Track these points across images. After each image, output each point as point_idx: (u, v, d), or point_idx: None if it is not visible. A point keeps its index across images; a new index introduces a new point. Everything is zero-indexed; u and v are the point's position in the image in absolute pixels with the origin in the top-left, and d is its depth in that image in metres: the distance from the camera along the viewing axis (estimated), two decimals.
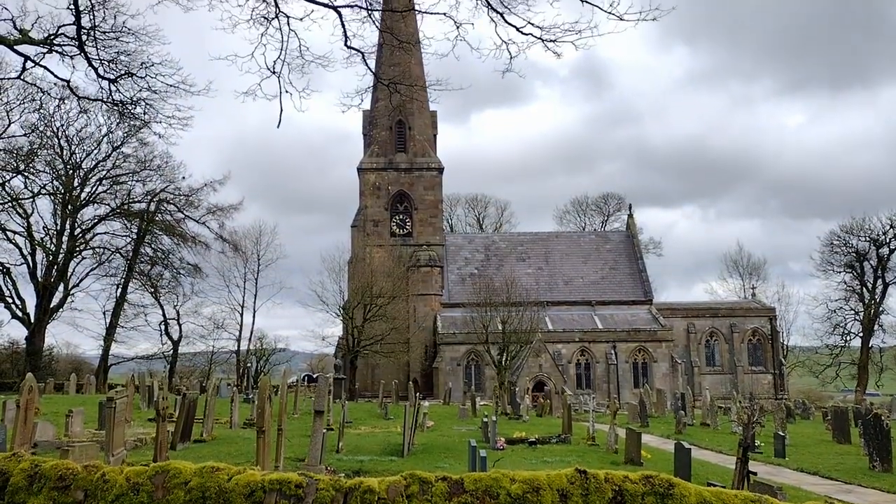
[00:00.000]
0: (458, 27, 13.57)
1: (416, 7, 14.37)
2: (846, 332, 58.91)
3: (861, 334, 57.99)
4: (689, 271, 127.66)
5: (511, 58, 13.35)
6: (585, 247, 62.13)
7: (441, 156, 61.77)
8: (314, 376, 60.66)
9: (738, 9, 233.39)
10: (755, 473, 11.37)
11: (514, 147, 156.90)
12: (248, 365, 60.21)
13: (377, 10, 15.01)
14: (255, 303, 60.43)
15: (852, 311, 59.12)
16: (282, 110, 14.22)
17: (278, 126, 13.73)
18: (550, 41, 12.96)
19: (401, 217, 60.12)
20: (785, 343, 65.50)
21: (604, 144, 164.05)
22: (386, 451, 18.51)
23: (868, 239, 58.20)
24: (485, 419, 22.57)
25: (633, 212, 64.94)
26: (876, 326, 57.88)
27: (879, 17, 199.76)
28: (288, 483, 4.92)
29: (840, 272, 59.74)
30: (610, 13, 12.18)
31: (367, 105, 56.22)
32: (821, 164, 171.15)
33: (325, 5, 13.81)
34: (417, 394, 27.05)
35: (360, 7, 14.15)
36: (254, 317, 60.54)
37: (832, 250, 60.00)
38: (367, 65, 14.83)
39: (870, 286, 58.42)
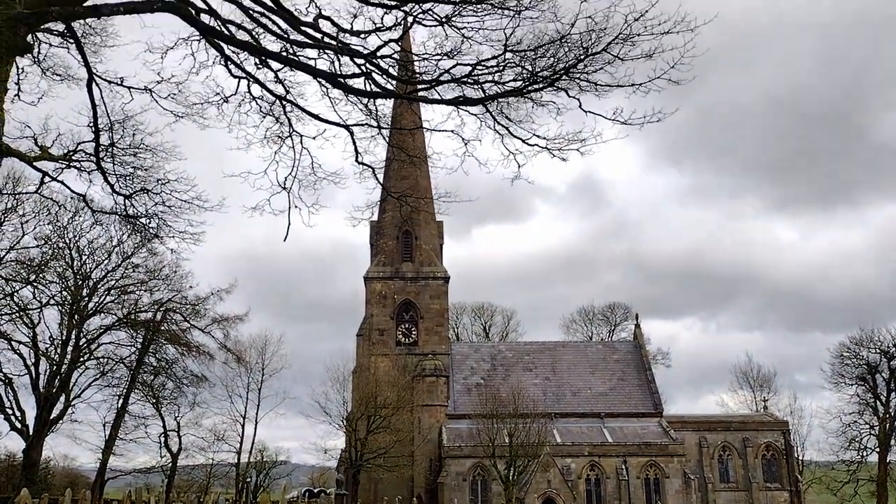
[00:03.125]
0: (465, 143, 14.20)
1: (424, 125, 15.06)
2: (862, 447, 57.23)
3: (878, 449, 56.34)
4: (694, 383, 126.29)
5: (519, 167, 13.87)
6: (593, 357, 61.63)
7: (446, 266, 62.41)
8: (315, 491, 59.00)
9: (717, 134, 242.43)
10: None
11: (516, 259, 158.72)
12: (248, 479, 58.59)
13: (386, 128, 15.72)
14: (257, 413, 59.46)
15: (867, 425, 57.64)
16: (289, 224, 14.61)
17: (285, 240, 14.13)
18: (556, 150, 13.54)
19: (406, 326, 60.10)
20: (800, 458, 63.63)
21: (603, 256, 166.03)
22: None
23: (879, 351, 57.52)
24: None
25: (640, 321, 64.89)
26: (893, 441, 56.28)
27: (857, 139, 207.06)
28: None
29: (852, 385, 58.66)
30: (614, 120, 12.76)
31: (375, 217, 57.48)
32: (815, 277, 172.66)
33: (338, 124, 14.50)
34: None
35: (370, 126, 14.86)
36: (255, 428, 59.40)
37: (843, 362, 59.13)
38: (377, 179, 15.39)
39: (883, 399, 57.28)
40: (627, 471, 50.70)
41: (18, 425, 44.84)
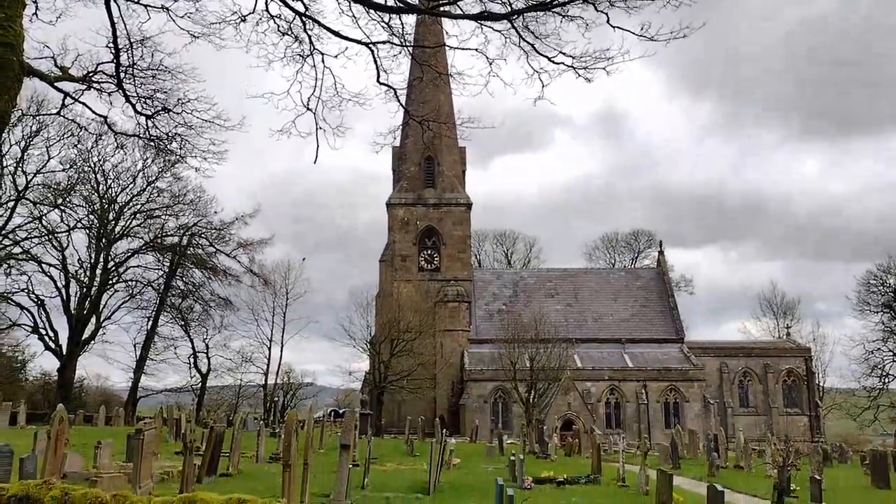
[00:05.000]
0: (490, 63, 13.79)
1: (447, 44, 14.63)
2: (885, 373, 57.36)
3: None
4: (716, 311, 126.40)
5: (543, 86, 13.45)
6: (615, 284, 61.64)
7: (468, 193, 62.04)
8: (340, 412, 60.54)
9: (739, 65, 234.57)
10: None
11: (537, 190, 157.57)
12: (276, 399, 60.27)
13: (409, 45, 15.30)
14: (283, 336, 60.69)
15: (891, 353, 57.64)
16: (318, 145, 14.42)
17: (315, 161, 14.02)
18: (582, 69, 13.10)
19: (429, 252, 60.29)
20: (821, 384, 63.97)
21: (624, 187, 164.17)
22: (412, 489, 18.33)
23: None
24: (512, 458, 22.27)
25: (664, 248, 64.55)
26: None
27: (882, 69, 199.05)
28: None
29: (877, 312, 58.42)
30: (642, 36, 12.26)
31: (397, 142, 56.97)
32: (838, 208, 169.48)
33: (359, 42, 14.12)
34: (444, 431, 26.81)
35: (393, 44, 14.45)
36: (281, 351, 60.70)
37: (868, 290, 58.77)
38: (399, 101, 15.06)
39: None
40: (647, 395, 51.35)
41: (52, 345, 46.36)
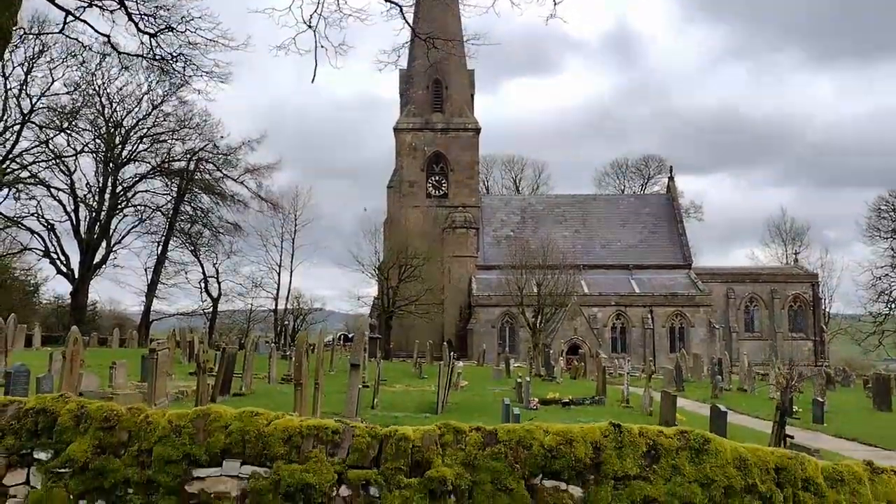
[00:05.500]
0: None
1: None
2: (891, 299, 57.48)
3: None
4: (725, 238, 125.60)
5: (556, 4, 13.01)
6: (624, 210, 61.42)
7: (477, 117, 61.14)
8: (350, 336, 61.40)
9: None
10: (792, 437, 11.27)
11: (546, 116, 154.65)
12: (286, 324, 61.15)
13: None
14: (292, 262, 61.07)
15: None
16: (316, 64, 14.08)
17: (313, 80, 13.67)
18: None
19: (437, 178, 59.96)
20: (827, 310, 64.25)
21: (635, 113, 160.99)
22: (420, 409, 18.70)
23: None
24: (519, 380, 22.66)
25: (674, 175, 63.98)
26: None
27: None
28: (325, 429, 4.99)
29: (887, 238, 58.11)
30: None
31: (403, 63, 55.85)
32: (851, 135, 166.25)
33: None
34: (452, 354, 27.23)
35: None
36: (291, 276, 61.20)
37: (879, 216, 58.26)
38: (404, 18, 14.61)
39: None
40: (653, 320, 51.84)
41: (64, 269, 46.81)
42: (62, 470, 4.79)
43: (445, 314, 55.36)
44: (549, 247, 49.84)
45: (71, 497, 4.75)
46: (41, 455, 4.85)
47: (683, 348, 46.12)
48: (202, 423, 4.93)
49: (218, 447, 4.86)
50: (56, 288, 63.59)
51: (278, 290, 61.01)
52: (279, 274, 60.73)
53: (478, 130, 60.13)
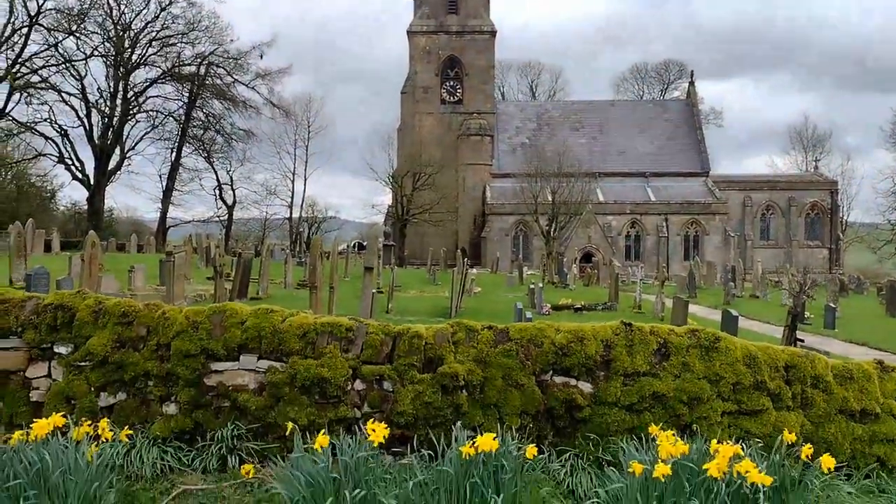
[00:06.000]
0: None
1: None
2: None
3: None
4: (744, 146, 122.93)
5: None
6: (642, 116, 60.22)
7: (493, 20, 59.24)
8: (364, 244, 61.89)
9: None
10: (802, 341, 11.36)
11: (565, 20, 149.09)
12: (301, 231, 61.62)
13: None
14: (305, 170, 61.03)
15: None
16: None
17: None
18: None
19: (451, 83, 58.75)
20: (845, 218, 63.68)
21: (656, 17, 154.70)
22: (434, 313, 18.98)
23: None
24: (532, 286, 22.86)
25: (695, 79, 62.31)
26: None
27: None
28: (339, 326, 5.06)
29: None
30: None
31: None
32: (877, 37, 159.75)
33: None
34: (466, 261, 27.41)
35: None
36: (305, 184, 61.31)
37: None
38: None
39: None
40: (668, 228, 51.69)
41: (79, 175, 47.00)
42: (82, 363, 4.90)
43: (459, 222, 55.42)
44: (564, 154, 49.28)
45: (92, 389, 4.89)
46: (61, 349, 4.96)
47: (697, 256, 46.16)
48: (219, 318, 5.00)
49: (235, 342, 4.95)
50: (72, 195, 64.12)
51: (292, 197, 61.23)
52: (293, 182, 60.81)
53: (494, 33, 58.43)
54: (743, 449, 4.17)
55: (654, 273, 41.27)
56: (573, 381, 5.00)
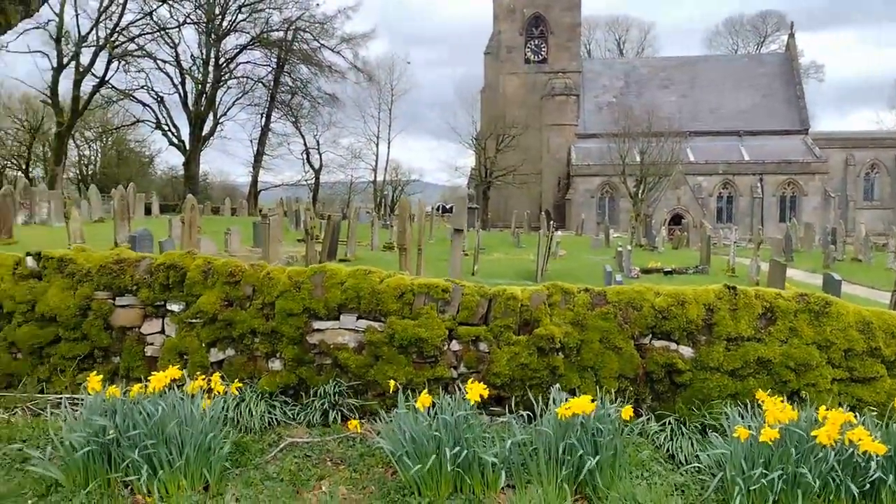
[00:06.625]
0: None
1: None
2: None
3: None
4: (845, 101, 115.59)
5: None
6: (736, 71, 57.50)
7: None
8: (448, 206, 62.19)
9: None
10: None
11: None
12: (385, 194, 62.39)
13: None
14: (389, 133, 61.59)
15: None
16: None
17: None
18: None
19: (536, 42, 57.64)
20: None
21: None
22: (519, 276, 18.95)
23: None
24: (619, 249, 22.45)
25: (795, 31, 58.93)
26: None
27: None
28: (435, 287, 5.10)
29: None
30: None
31: None
32: None
33: None
34: (551, 223, 27.15)
35: None
36: (389, 147, 62.06)
37: None
38: None
39: None
40: (763, 189, 49.61)
41: (176, 141, 48.89)
42: (194, 320, 5.14)
43: (543, 184, 54.82)
44: (653, 113, 47.74)
45: (203, 345, 5.12)
46: (174, 307, 5.20)
47: (794, 218, 44.19)
48: (320, 279, 5.14)
49: (335, 302, 5.07)
50: (169, 159, 66.87)
51: (377, 161, 62.00)
52: (377, 145, 61.52)
53: None
54: (855, 417, 4.02)
55: (747, 236, 39.85)
56: (673, 346, 4.91)
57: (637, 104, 52.13)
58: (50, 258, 5.38)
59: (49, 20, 39.21)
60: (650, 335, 4.96)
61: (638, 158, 45.53)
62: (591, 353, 4.91)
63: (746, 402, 4.52)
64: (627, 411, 4.14)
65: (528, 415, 4.52)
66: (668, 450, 4.57)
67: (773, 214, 49.51)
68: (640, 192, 45.70)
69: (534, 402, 4.55)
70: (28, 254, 5.44)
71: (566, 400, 4.17)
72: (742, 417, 4.29)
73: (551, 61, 56.88)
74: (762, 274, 18.58)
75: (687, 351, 4.88)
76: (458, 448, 3.92)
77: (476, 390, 4.06)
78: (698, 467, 4.31)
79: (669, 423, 4.76)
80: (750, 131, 53.15)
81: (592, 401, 4.09)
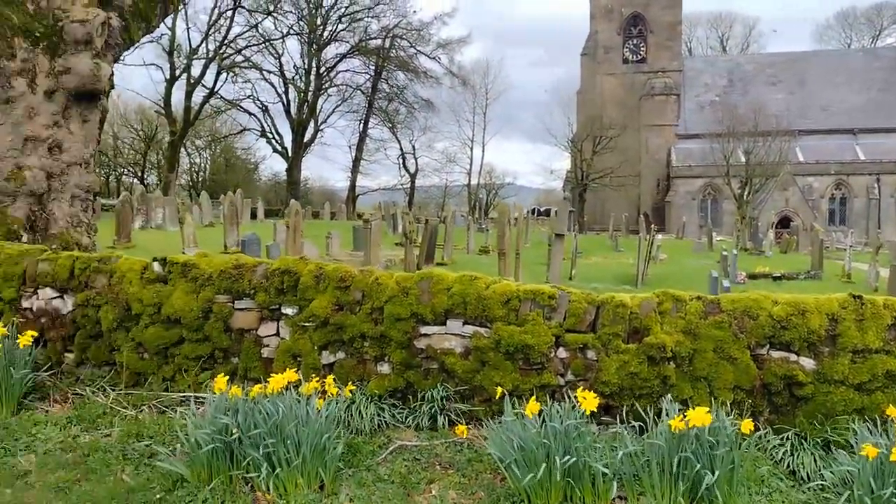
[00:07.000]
0: None
1: None
2: None
3: None
4: None
5: None
6: (849, 66, 54.58)
7: None
8: (542, 209, 61.78)
9: None
10: None
11: None
12: (480, 197, 62.62)
13: None
14: (483, 137, 61.83)
15: None
16: None
17: None
18: None
19: (634, 42, 56.52)
20: None
21: None
22: (618, 280, 18.63)
23: None
24: (724, 253, 21.68)
25: None
26: None
27: None
28: (541, 293, 5.07)
29: None
30: None
31: None
32: None
33: None
34: (652, 226, 26.53)
35: None
36: (483, 151, 62.29)
37: None
38: None
39: None
40: (880, 189, 46.79)
41: (279, 148, 50.77)
42: (306, 324, 5.31)
43: (641, 186, 53.64)
44: (759, 111, 45.87)
45: (315, 347, 5.29)
46: (288, 310, 5.39)
47: None
48: (427, 284, 5.20)
49: (441, 307, 5.12)
50: (273, 166, 69.39)
51: (471, 164, 62.35)
52: (471, 149, 61.83)
53: None
54: None
55: (863, 239, 37.68)
56: (793, 357, 4.69)
57: (742, 102, 50.24)
58: (175, 263, 5.69)
59: (162, 34, 41.53)
60: (767, 345, 4.76)
61: (743, 159, 43.84)
62: (705, 363, 4.76)
63: (875, 418, 4.27)
64: (747, 424, 3.99)
65: (639, 426, 4.43)
66: (788, 465, 4.38)
67: (892, 217, 46.62)
68: (746, 193, 43.98)
69: (643, 412, 4.46)
70: (154, 259, 5.76)
71: (678, 411, 4.07)
72: (870, 434, 4.07)
73: (650, 60, 55.62)
74: (881, 280, 17.54)
75: (808, 363, 4.66)
76: (568, 457, 3.88)
77: (589, 400, 4.01)
78: (822, 485, 4.11)
79: (789, 437, 4.56)
80: (865, 129, 50.26)
81: (708, 412, 3.97)
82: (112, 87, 8.68)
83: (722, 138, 45.21)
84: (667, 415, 4.12)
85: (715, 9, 75.47)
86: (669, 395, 4.52)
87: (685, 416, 3.90)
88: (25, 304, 6.02)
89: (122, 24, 8.58)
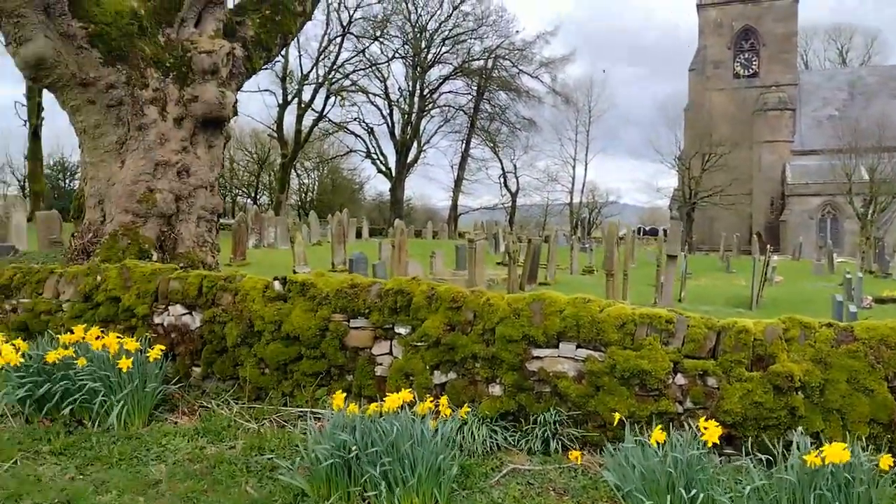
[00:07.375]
0: None
1: None
2: None
3: None
4: None
5: None
6: None
7: None
8: (647, 228, 60.34)
9: None
10: None
11: None
12: (582, 216, 61.83)
13: None
14: (586, 155, 61.12)
15: None
16: None
17: None
18: None
19: (745, 56, 54.57)
20: None
21: None
22: (730, 303, 17.87)
23: None
24: (848, 275, 20.43)
25: None
26: None
27: None
28: (658, 318, 4.94)
29: None
30: None
31: None
32: None
33: None
34: (769, 247, 25.37)
35: None
36: (585, 169, 61.59)
37: None
38: None
39: None
40: None
41: (383, 168, 51.97)
42: (419, 343, 5.37)
43: (753, 205, 51.47)
44: (884, 125, 43.17)
45: (427, 367, 5.34)
46: (401, 330, 5.48)
47: None
48: (538, 306, 5.17)
49: (554, 330, 5.07)
50: (377, 186, 71.08)
51: (573, 183, 61.72)
52: (574, 167, 61.25)
53: None
54: None
55: None
56: None
57: (864, 116, 47.43)
58: (294, 282, 5.89)
59: (276, 61, 43.45)
60: None
61: (866, 176, 41.33)
62: (837, 394, 4.49)
63: None
64: (886, 460, 3.73)
65: (767, 459, 4.21)
66: None
67: None
68: (870, 212, 41.40)
69: (769, 444, 4.24)
70: (275, 278, 5.99)
71: (809, 444, 3.85)
72: None
73: (763, 75, 53.52)
74: None
75: None
76: (694, 490, 3.74)
77: (712, 429, 3.85)
78: None
79: None
80: None
81: (845, 448, 3.73)
82: (235, 113, 9.13)
83: (843, 154, 42.79)
84: (797, 448, 3.90)
85: (833, 21, 71.91)
86: (800, 428, 4.28)
87: (821, 451, 3.68)
88: (157, 319, 6.38)
89: (245, 54, 9.04)
